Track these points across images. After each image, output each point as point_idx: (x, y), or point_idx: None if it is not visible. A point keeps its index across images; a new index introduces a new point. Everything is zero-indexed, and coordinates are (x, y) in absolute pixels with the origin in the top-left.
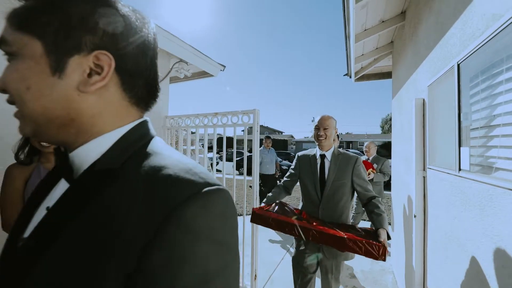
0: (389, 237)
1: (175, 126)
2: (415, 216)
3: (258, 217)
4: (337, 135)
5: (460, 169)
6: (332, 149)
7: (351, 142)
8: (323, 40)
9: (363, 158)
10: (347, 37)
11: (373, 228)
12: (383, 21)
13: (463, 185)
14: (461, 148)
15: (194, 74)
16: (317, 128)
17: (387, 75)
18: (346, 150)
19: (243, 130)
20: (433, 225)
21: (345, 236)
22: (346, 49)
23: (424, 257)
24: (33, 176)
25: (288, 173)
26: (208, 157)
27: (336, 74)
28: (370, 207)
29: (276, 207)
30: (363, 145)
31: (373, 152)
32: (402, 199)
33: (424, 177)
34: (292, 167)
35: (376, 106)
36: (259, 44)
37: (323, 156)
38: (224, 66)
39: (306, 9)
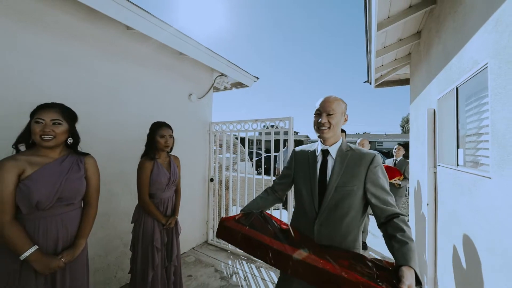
0: (418, 282)
1: (219, 131)
2: (427, 205)
3: (225, 231)
4: (343, 130)
5: (458, 165)
6: (338, 143)
7: (369, 142)
8: (340, 43)
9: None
10: (368, 52)
11: (394, 263)
12: (400, 39)
13: (460, 176)
14: (458, 149)
15: (232, 85)
16: (318, 113)
17: (405, 81)
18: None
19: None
20: (441, 210)
21: (343, 275)
22: (367, 62)
23: (435, 237)
24: (155, 166)
25: (280, 174)
26: (226, 157)
27: (354, 73)
28: (390, 229)
29: (253, 219)
30: (381, 145)
31: None
32: (418, 192)
33: (434, 172)
34: (286, 165)
35: (396, 105)
36: (272, 44)
37: (325, 152)
38: (257, 78)
39: (325, 17)
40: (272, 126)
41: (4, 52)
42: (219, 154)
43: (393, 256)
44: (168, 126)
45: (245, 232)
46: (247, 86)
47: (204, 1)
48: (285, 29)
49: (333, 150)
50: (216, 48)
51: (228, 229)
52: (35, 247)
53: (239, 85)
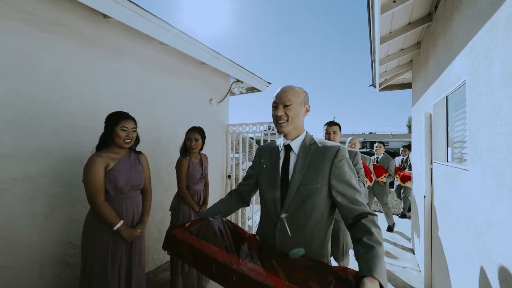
0: None
1: (235, 132)
2: (424, 197)
3: (171, 241)
4: (339, 124)
5: (447, 161)
6: (301, 137)
7: (375, 142)
8: (347, 45)
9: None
10: (372, 61)
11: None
12: (402, 49)
13: (448, 170)
14: (448, 148)
15: (246, 89)
16: (274, 106)
17: (408, 85)
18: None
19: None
20: (436, 200)
21: None
22: (372, 69)
23: (432, 225)
24: (190, 163)
25: (245, 174)
26: (235, 157)
27: (360, 75)
28: (357, 232)
29: (203, 226)
30: (387, 145)
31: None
32: (419, 186)
33: (431, 168)
34: (251, 164)
35: (403, 106)
36: (275, 43)
37: (288, 148)
38: (270, 83)
39: (333, 18)
40: None
41: (73, 69)
42: (235, 153)
43: (358, 264)
44: (195, 130)
45: (190, 242)
46: (260, 90)
47: (209, 3)
48: (288, 28)
49: (296, 145)
50: (217, 47)
51: (174, 239)
52: (122, 221)
53: (252, 89)
